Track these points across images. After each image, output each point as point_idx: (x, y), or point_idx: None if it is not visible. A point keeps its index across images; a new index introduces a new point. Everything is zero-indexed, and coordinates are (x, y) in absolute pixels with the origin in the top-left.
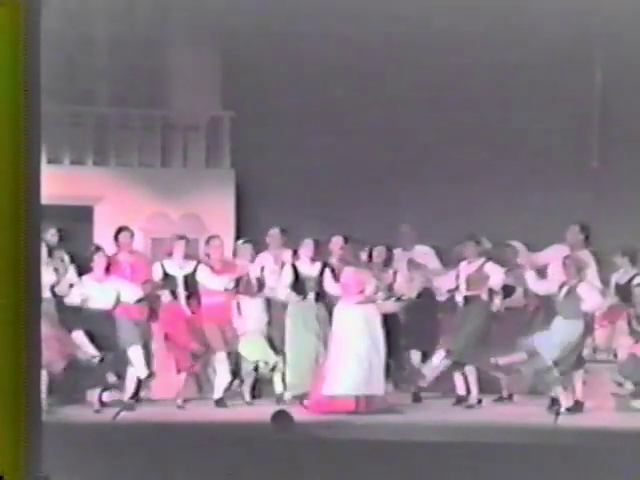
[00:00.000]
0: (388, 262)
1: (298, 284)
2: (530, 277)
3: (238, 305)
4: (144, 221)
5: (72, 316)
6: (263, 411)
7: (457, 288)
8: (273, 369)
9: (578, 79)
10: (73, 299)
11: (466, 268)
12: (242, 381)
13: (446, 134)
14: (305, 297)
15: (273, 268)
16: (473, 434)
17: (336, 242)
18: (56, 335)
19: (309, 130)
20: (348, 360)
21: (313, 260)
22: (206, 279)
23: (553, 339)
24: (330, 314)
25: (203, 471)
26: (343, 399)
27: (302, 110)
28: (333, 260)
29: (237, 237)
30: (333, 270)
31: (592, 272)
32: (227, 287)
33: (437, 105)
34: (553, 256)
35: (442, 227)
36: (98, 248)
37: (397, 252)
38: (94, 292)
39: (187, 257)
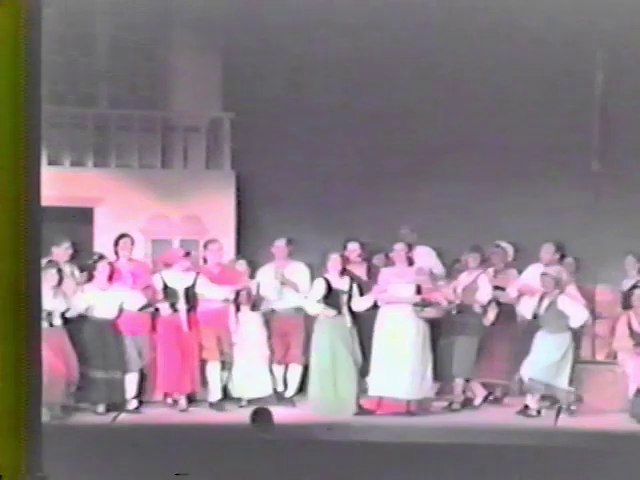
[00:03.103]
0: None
1: (329, 298)
2: (523, 304)
3: (236, 315)
4: (144, 223)
5: (75, 327)
6: None
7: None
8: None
9: (578, 79)
10: (77, 308)
11: (465, 278)
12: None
13: (447, 136)
14: (340, 312)
15: (272, 282)
16: (472, 436)
17: (352, 249)
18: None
19: (309, 132)
20: (399, 364)
21: (342, 274)
22: (206, 290)
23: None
24: (358, 327)
25: (202, 472)
26: (394, 402)
27: (302, 112)
28: (350, 268)
29: (238, 238)
30: (359, 286)
31: (571, 288)
32: (228, 298)
33: (438, 107)
34: (532, 274)
35: (443, 229)
36: (102, 256)
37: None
38: (97, 301)
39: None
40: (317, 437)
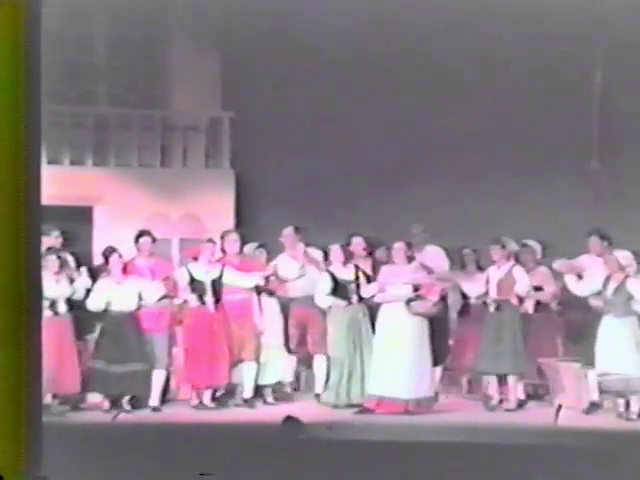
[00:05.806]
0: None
1: (338, 290)
2: (570, 280)
3: (259, 303)
4: (144, 221)
5: (93, 322)
6: (262, 412)
7: (487, 293)
8: (290, 387)
9: (578, 79)
10: (96, 304)
11: (496, 273)
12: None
13: (447, 134)
14: (350, 302)
15: (289, 269)
16: (474, 435)
17: (357, 243)
18: (72, 351)
19: (309, 130)
20: (399, 363)
21: (345, 264)
22: (235, 279)
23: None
24: (371, 315)
25: (203, 472)
26: (393, 402)
27: (302, 110)
28: (356, 262)
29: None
30: (364, 273)
31: (635, 272)
32: (259, 283)
33: (439, 106)
34: (589, 261)
35: (441, 227)
36: (113, 249)
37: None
38: (114, 294)
39: (210, 261)
40: (317, 436)
